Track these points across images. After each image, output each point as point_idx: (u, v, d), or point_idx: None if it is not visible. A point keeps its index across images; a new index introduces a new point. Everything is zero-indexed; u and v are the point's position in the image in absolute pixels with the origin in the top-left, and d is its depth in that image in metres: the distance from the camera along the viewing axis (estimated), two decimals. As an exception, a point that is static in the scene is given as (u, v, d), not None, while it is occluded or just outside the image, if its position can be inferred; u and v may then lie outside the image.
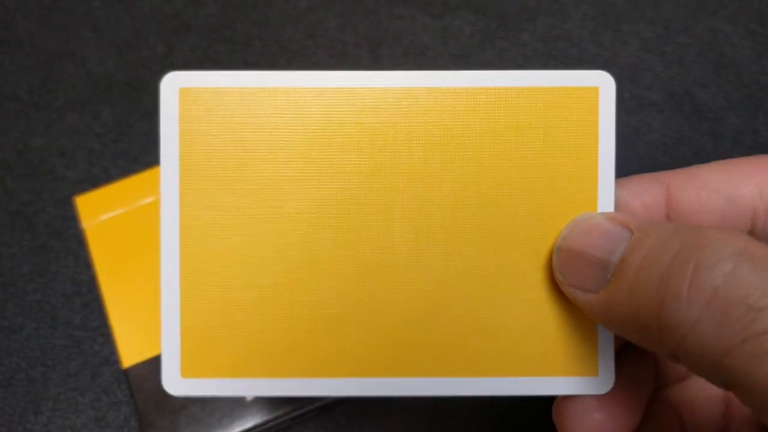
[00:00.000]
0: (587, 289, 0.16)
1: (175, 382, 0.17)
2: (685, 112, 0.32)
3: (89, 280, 0.29)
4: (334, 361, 0.17)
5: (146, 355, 0.26)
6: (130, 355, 0.26)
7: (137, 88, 0.32)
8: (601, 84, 0.17)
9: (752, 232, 0.18)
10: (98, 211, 0.27)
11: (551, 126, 0.17)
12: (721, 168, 0.18)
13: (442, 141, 0.17)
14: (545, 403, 0.19)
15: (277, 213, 0.17)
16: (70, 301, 0.28)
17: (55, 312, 0.28)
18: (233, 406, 0.25)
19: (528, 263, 0.17)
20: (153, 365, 0.25)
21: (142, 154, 0.31)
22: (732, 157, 0.33)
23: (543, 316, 0.17)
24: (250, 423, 0.25)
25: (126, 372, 0.25)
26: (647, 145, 0.32)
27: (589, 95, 0.17)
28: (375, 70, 0.17)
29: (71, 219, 0.29)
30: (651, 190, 0.18)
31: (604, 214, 0.17)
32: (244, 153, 0.17)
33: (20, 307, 0.28)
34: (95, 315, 0.28)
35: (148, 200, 0.27)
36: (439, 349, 0.17)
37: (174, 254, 0.17)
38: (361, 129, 0.17)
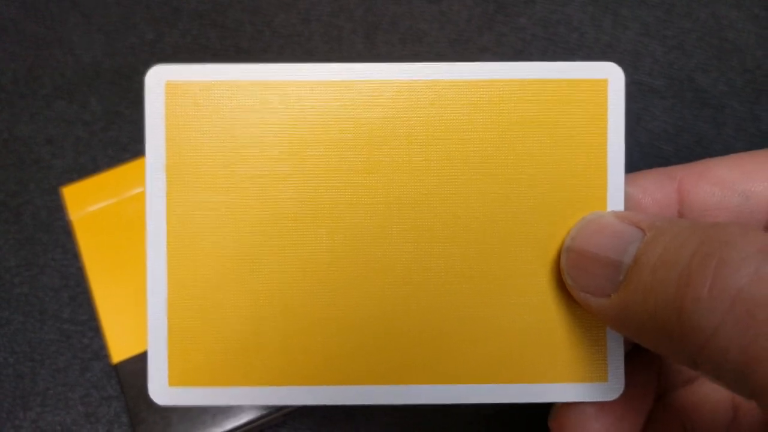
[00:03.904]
0: (598, 292, 0.15)
1: (162, 391, 0.16)
2: (687, 98, 0.32)
3: (77, 273, 0.28)
4: (331, 369, 0.16)
5: (136, 349, 0.25)
6: (119, 350, 0.25)
7: (126, 76, 0.31)
8: (611, 76, 0.16)
9: (767, 229, 0.17)
10: (86, 202, 0.27)
11: (558, 120, 0.16)
12: (735, 162, 0.18)
13: (443, 137, 0.16)
14: (535, 409, 0.18)
15: (270, 213, 0.16)
16: (58, 294, 0.28)
17: (43, 305, 0.28)
18: (226, 402, 0.24)
19: (534, 264, 0.16)
20: (143, 361, 0.25)
21: (132, 142, 0.30)
22: (735, 145, 0.32)
23: (549, 320, 0.16)
24: (243, 419, 0.24)
25: (116, 368, 0.25)
26: (649, 132, 0.31)
27: (598, 88, 0.16)
28: (371, 61, 0.16)
29: (59, 210, 0.29)
30: (663, 187, 0.18)
31: (614, 213, 0.16)
32: (234, 150, 0.16)
33: (7, 300, 0.28)
34: (84, 308, 0.28)
35: (138, 191, 0.27)
36: (439, 355, 0.16)
37: (161, 257, 0.16)
38: (358, 125, 0.16)
